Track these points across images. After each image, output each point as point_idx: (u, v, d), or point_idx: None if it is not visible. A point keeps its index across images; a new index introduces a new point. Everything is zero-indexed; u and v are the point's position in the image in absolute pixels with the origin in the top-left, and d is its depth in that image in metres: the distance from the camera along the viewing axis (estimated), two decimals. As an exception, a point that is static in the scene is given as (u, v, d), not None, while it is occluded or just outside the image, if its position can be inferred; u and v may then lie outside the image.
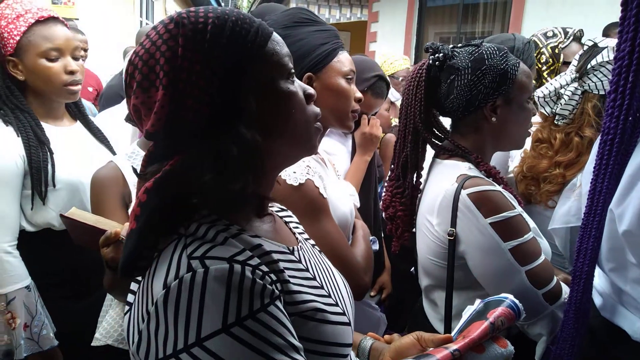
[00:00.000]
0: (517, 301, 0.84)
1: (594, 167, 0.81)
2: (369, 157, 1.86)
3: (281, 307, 0.59)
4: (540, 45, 1.89)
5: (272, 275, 0.61)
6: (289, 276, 0.65)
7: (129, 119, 1.31)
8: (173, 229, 0.63)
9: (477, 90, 1.15)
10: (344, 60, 1.25)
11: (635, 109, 0.76)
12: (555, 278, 1.07)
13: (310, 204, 1.11)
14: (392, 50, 4.81)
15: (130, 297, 0.66)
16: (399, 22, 7.55)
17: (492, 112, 1.16)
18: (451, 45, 1.23)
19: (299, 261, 0.72)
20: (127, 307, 0.66)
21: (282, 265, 0.65)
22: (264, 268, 0.59)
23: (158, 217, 0.61)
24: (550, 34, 1.90)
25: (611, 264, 0.94)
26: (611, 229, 0.85)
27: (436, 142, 1.27)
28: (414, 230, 1.32)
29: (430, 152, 1.30)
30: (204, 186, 0.59)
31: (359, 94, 1.28)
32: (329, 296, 0.71)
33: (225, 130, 0.61)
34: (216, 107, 0.60)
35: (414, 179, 1.28)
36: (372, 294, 1.52)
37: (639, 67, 0.74)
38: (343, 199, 1.29)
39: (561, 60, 1.94)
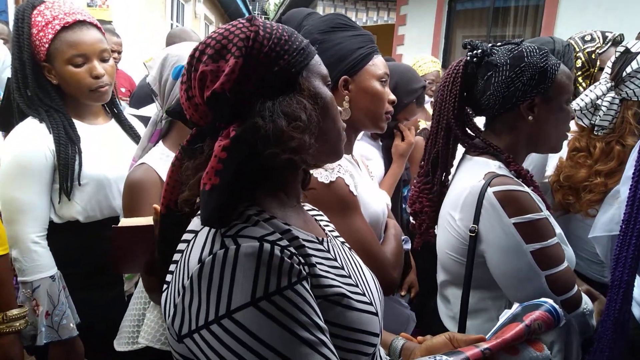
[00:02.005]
0: (557, 306, 0.82)
1: (634, 173, 0.79)
2: (404, 164, 1.91)
3: (308, 287, 0.61)
4: (577, 50, 1.84)
5: (300, 258, 0.63)
6: (316, 262, 0.67)
7: (171, 112, 1.33)
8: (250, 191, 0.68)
9: (514, 87, 1.13)
10: (378, 63, 1.27)
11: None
12: (576, 287, 1.04)
13: (340, 201, 1.14)
14: (419, 52, 4.78)
15: (168, 277, 0.68)
16: (427, 25, 7.49)
17: (529, 111, 1.14)
18: (491, 44, 1.22)
19: (327, 251, 0.73)
20: (165, 286, 0.69)
21: (309, 251, 0.68)
22: (292, 250, 0.62)
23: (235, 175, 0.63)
24: (588, 37, 1.85)
25: (650, 274, 0.91)
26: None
27: (468, 140, 1.26)
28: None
29: (461, 150, 1.29)
30: (283, 135, 0.62)
31: (392, 96, 1.30)
32: (357, 286, 0.72)
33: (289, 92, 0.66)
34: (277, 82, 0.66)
35: (443, 176, 1.28)
36: (402, 293, 1.52)
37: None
38: (375, 198, 1.30)
39: (597, 66, 1.90)
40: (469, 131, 1.28)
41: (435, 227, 1.31)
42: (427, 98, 2.52)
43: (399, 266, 1.25)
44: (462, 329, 1.15)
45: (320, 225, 0.85)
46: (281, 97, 0.65)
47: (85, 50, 1.46)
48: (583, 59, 1.87)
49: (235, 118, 0.64)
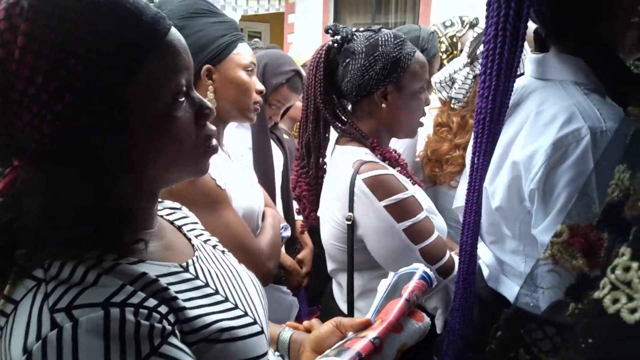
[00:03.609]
0: (427, 270, 0.85)
1: (472, 147, 0.87)
2: None
3: (177, 342, 0.53)
4: (440, 35, 1.97)
5: (163, 308, 0.54)
6: (185, 300, 0.58)
7: None
8: (24, 271, 0.52)
9: (368, 75, 1.17)
10: (243, 52, 1.24)
11: (502, 90, 0.81)
12: (448, 253, 1.13)
13: (207, 196, 1.10)
14: (309, 40, 4.82)
15: None
16: (315, 12, 7.59)
17: (382, 99, 1.19)
18: (354, 29, 1.25)
19: (196, 277, 0.65)
20: None
21: (174, 291, 0.58)
22: (151, 303, 0.52)
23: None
24: (448, 23, 1.99)
25: (491, 237, 1.01)
26: (487, 205, 0.91)
27: (339, 124, 1.29)
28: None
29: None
30: (32, 217, 0.50)
31: (260, 86, 1.28)
32: (236, 307, 0.66)
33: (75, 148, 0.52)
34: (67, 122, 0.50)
35: (318, 160, 1.30)
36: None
37: (503, 50, 0.79)
38: (249, 190, 1.28)
39: (459, 48, 2.05)
40: (340, 115, 1.31)
41: (318, 211, 1.34)
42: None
43: (276, 256, 1.26)
44: (350, 311, 1.20)
45: (184, 234, 0.77)
46: None
47: None
48: (446, 43, 2.00)
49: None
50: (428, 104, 1.27)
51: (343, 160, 1.19)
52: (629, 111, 0.51)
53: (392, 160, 1.22)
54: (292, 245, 1.84)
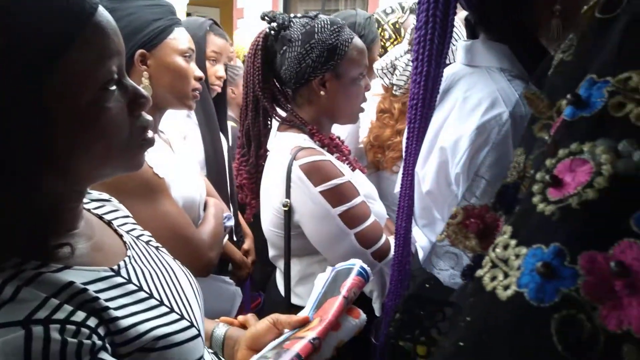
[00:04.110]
0: (365, 265, 0.86)
1: (406, 132, 0.88)
2: None
3: (107, 357, 0.50)
4: (382, 22, 1.99)
5: (92, 321, 0.50)
6: (116, 309, 0.55)
7: None
8: None
9: (305, 63, 1.16)
10: (180, 37, 1.20)
11: (433, 76, 0.82)
12: (384, 237, 1.15)
13: (144, 185, 1.06)
14: (259, 26, 4.73)
15: None
16: (265, -2, 7.47)
17: (321, 86, 1.19)
18: (292, 15, 1.24)
19: (129, 281, 0.61)
20: None
21: (104, 299, 0.54)
22: (79, 316, 0.49)
23: None
24: (389, 10, 2.00)
25: (424, 221, 1.03)
26: (419, 190, 0.94)
27: (279, 112, 1.28)
28: None
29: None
30: None
31: (199, 73, 1.25)
32: (172, 311, 0.63)
33: None
34: None
35: (258, 148, 1.29)
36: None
37: (433, 36, 0.80)
38: (189, 179, 1.25)
39: (403, 34, 2.07)
40: (282, 102, 1.30)
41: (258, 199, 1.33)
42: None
43: (217, 246, 1.24)
44: (288, 297, 1.20)
45: (115, 230, 0.71)
46: None
47: None
48: (389, 30, 2.02)
49: None
50: (368, 90, 1.28)
51: (281, 147, 1.19)
52: (522, 95, 0.53)
53: (331, 146, 1.22)
54: (237, 234, 1.82)
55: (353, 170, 1.24)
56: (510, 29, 0.80)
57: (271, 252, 1.29)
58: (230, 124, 2.20)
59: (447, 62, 0.85)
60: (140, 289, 0.61)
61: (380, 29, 1.95)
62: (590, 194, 0.33)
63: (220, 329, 0.86)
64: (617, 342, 0.31)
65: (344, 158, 1.24)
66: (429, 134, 0.86)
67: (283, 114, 1.30)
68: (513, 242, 0.37)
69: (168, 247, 0.87)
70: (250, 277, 1.77)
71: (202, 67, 1.50)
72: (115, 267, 0.61)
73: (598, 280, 0.32)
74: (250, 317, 0.89)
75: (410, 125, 0.87)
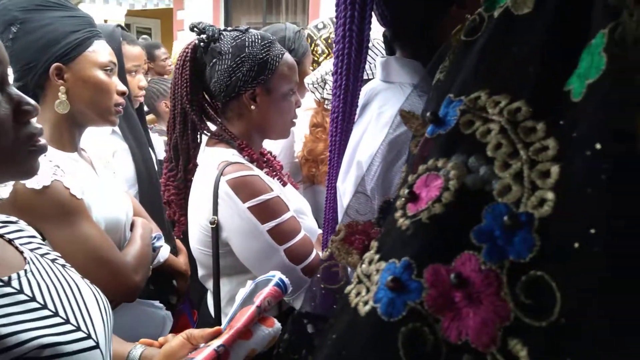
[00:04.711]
0: (283, 277, 0.86)
1: (329, 145, 0.88)
2: None
3: None
4: (315, 38, 2.01)
5: None
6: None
7: None
8: None
9: (235, 77, 1.15)
10: (100, 50, 1.16)
11: (352, 90, 0.83)
12: (314, 253, 1.14)
13: (59, 207, 1.01)
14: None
15: None
16: (205, 10, 7.39)
17: (251, 100, 1.18)
18: (223, 28, 1.23)
19: (19, 292, 0.61)
20: None
21: None
22: None
23: None
24: (320, 25, 2.02)
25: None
26: (341, 203, 0.95)
27: (206, 127, 1.26)
28: None
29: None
30: None
31: (121, 87, 1.20)
32: (67, 322, 0.64)
33: None
34: None
35: (187, 163, 1.26)
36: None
37: (350, 50, 0.81)
38: (113, 199, 1.20)
39: (336, 49, 2.10)
40: (212, 115, 1.28)
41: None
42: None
43: (144, 268, 1.19)
44: (218, 317, 1.17)
45: (16, 247, 0.71)
46: None
47: None
48: (322, 45, 2.04)
49: None
50: (298, 106, 1.28)
51: (209, 162, 1.16)
52: (400, 112, 0.55)
53: (260, 161, 1.21)
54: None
55: (284, 185, 1.23)
56: (422, 45, 0.83)
57: (200, 272, 1.25)
58: (163, 138, 2.14)
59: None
60: (33, 299, 0.62)
61: (312, 45, 1.96)
62: (437, 208, 0.34)
63: (137, 350, 0.85)
64: (458, 353, 0.31)
65: (274, 173, 1.23)
66: (348, 148, 0.86)
67: (212, 127, 1.27)
68: (377, 257, 0.37)
69: (88, 271, 0.85)
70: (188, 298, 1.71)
71: (124, 80, 1.44)
72: (6, 278, 0.62)
73: (440, 292, 0.33)
74: (170, 337, 0.88)
75: (332, 138, 0.88)
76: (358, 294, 0.37)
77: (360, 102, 0.87)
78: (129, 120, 1.61)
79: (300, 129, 1.68)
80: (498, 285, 0.31)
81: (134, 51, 1.78)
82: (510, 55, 0.35)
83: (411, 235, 0.35)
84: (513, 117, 0.34)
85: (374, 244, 0.38)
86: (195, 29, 1.21)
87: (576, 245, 0.29)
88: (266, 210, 1.07)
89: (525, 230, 0.31)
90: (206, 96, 1.28)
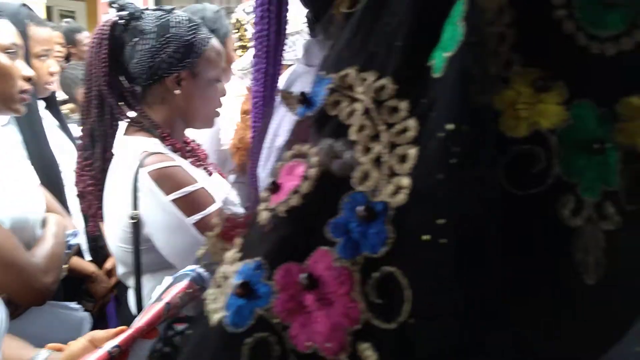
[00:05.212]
0: (202, 271, 0.81)
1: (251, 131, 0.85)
2: None
3: None
4: (243, 22, 1.94)
5: None
6: None
7: None
8: None
9: (160, 58, 1.08)
10: (1, 30, 1.06)
11: (272, 73, 0.80)
12: None
13: None
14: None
15: None
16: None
17: (176, 85, 1.11)
18: (145, 7, 1.15)
19: None
20: None
21: None
22: None
23: None
24: (249, 9, 1.95)
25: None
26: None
27: (125, 111, 1.17)
28: None
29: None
30: None
31: (27, 72, 1.09)
32: None
33: None
34: None
35: (105, 150, 1.16)
36: None
37: (269, 32, 0.78)
38: (19, 196, 1.10)
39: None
40: (130, 100, 1.19)
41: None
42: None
43: (55, 269, 1.10)
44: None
45: None
46: None
47: None
48: (250, 29, 1.98)
49: None
50: (224, 95, 1.23)
51: (128, 152, 1.08)
52: (281, 93, 0.52)
53: (184, 150, 1.14)
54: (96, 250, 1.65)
55: (210, 175, 1.18)
56: (340, 26, 0.81)
57: (120, 270, 1.17)
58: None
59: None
60: None
61: (241, 29, 1.90)
62: (295, 200, 0.30)
63: (41, 355, 0.81)
64: None
65: (199, 163, 1.17)
66: (269, 134, 0.83)
67: (132, 114, 1.19)
68: (238, 256, 0.33)
69: None
70: (116, 297, 1.62)
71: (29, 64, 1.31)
72: None
73: (290, 296, 0.29)
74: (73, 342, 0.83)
75: (254, 125, 0.84)
76: (215, 299, 0.32)
77: (282, 86, 0.84)
78: (29, 110, 1.47)
79: (230, 116, 1.63)
80: (351, 285, 0.28)
81: (42, 33, 1.60)
82: (381, 28, 0.32)
83: (268, 232, 0.31)
84: (378, 96, 0.30)
85: (238, 242, 0.34)
86: (114, 4, 1.12)
87: (425, 237, 0.27)
88: (191, 203, 1.02)
89: (379, 221, 0.28)
90: (124, 79, 1.20)
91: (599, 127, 0.28)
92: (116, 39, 1.12)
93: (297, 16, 1.11)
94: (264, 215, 0.32)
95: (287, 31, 0.84)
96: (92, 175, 1.17)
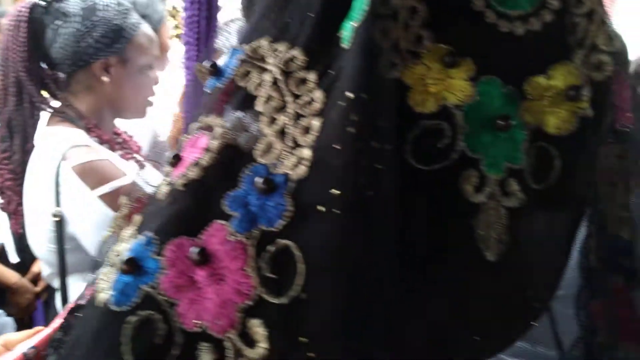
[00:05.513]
0: None
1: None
2: None
3: None
4: (179, 10, 1.87)
5: None
6: None
7: None
8: None
9: (86, 43, 1.02)
10: None
11: (204, 60, 0.77)
12: None
13: None
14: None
15: None
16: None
17: (104, 71, 1.05)
18: None
19: None
20: None
21: None
22: None
23: None
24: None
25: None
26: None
27: (47, 100, 1.09)
28: None
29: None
30: None
31: None
32: None
33: None
34: None
35: (25, 142, 1.09)
36: None
37: (200, 18, 0.74)
38: None
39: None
40: (52, 89, 1.11)
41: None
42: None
43: None
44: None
45: None
46: None
47: None
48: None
49: None
50: (156, 84, 1.17)
51: (49, 144, 1.01)
52: (196, 67, 0.50)
53: (112, 142, 1.08)
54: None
55: (143, 168, 1.12)
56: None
57: (45, 271, 1.10)
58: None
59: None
60: None
61: (177, 15, 1.83)
62: (194, 172, 0.29)
63: None
64: (195, 342, 0.28)
65: (131, 155, 1.11)
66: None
67: (56, 104, 1.11)
68: (135, 233, 0.32)
69: None
70: (46, 303, 1.51)
71: None
72: None
73: (179, 272, 0.28)
74: None
75: (186, 114, 0.80)
76: (104, 279, 0.30)
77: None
78: None
79: (167, 106, 1.56)
80: (245, 259, 0.27)
81: None
82: None
83: (164, 206, 0.30)
84: (287, 67, 0.30)
85: (137, 219, 0.32)
86: None
87: (320, 208, 0.26)
88: (119, 198, 0.97)
89: (278, 193, 0.27)
90: (44, 65, 1.11)
91: (505, 105, 0.29)
92: (36, 22, 1.05)
93: (230, 2, 1.08)
94: (163, 190, 0.31)
95: (220, 17, 0.81)
96: (10, 169, 1.09)
